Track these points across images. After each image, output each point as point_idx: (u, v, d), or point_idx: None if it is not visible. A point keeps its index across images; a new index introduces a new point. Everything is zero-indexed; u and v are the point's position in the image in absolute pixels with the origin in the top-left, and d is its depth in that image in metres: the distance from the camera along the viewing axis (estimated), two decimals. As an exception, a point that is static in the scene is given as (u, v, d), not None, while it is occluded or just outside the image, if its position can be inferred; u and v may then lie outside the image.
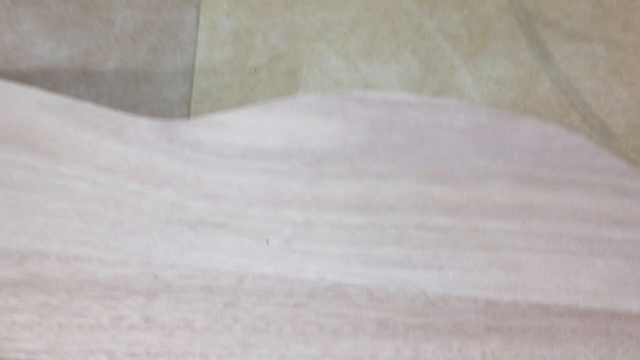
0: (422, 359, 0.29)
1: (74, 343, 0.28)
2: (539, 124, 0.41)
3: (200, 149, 0.38)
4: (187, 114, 0.44)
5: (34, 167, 0.36)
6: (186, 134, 0.38)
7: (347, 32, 0.43)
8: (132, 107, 0.40)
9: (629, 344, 0.31)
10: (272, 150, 0.38)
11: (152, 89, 0.39)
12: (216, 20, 0.42)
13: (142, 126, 0.38)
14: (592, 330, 0.31)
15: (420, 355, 0.29)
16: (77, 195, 0.35)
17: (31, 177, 0.35)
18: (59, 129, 0.38)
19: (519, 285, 0.32)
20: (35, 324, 0.29)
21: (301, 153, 0.38)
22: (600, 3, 0.42)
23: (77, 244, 0.32)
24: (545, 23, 0.41)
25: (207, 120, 0.39)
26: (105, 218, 0.34)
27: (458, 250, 0.34)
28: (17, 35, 0.40)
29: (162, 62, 0.40)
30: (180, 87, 0.40)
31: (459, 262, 0.33)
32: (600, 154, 0.37)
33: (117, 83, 0.39)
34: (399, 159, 0.38)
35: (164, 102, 0.40)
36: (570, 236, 0.35)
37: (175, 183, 0.36)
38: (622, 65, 0.44)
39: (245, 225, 0.34)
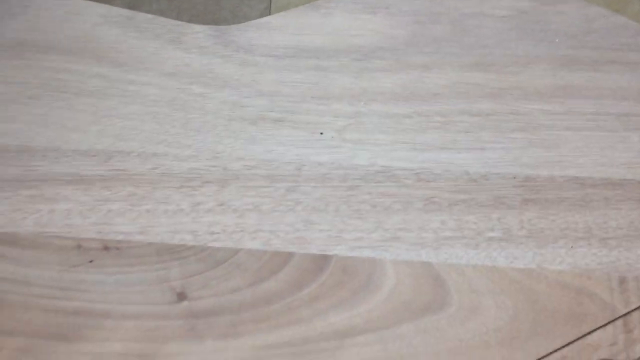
0: (465, 228, 0.33)
1: (162, 225, 0.33)
2: (581, 6, 0.41)
3: (253, 52, 0.41)
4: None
5: (106, 76, 0.40)
6: (239, 38, 0.41)
7: None
8: (212, 22, 0.42)
9: (660, 209, 0.33)
10: (321, 48, 0.40)
11: (232, 4, 0.41)
12: None
13: (199, 33, 0.41)
14: (624, 198, 0.33)
15: (463, 226, 0.33)
16: (147, 99, 0.38)
17: (105, 85, 0.39)
18: (122, 40, 0.41)
19: (556, 162, 0.35)
20: (126, 211, 0.33)
21: (349, 50, 0.40)
22: None
23: (153, 143, 0.36)
24: None
25: (257, 23, 0.41)
26: (174, 119, 0.37)
27: (499, 132, 0.36)
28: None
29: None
30: (260, 3, 0.42)
31: (500, 143, 0.36)
32: (640, 32, 0.38)
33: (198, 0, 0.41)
34: (442, 50, 0.40)
35: (244, 18, 0.42)
36: (608, 114, 0.37)
37: (234, 84, 0.39)
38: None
39: (301, 119, 0.37)
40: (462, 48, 0.40)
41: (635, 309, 0.30)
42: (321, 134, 0.37)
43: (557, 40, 0.40)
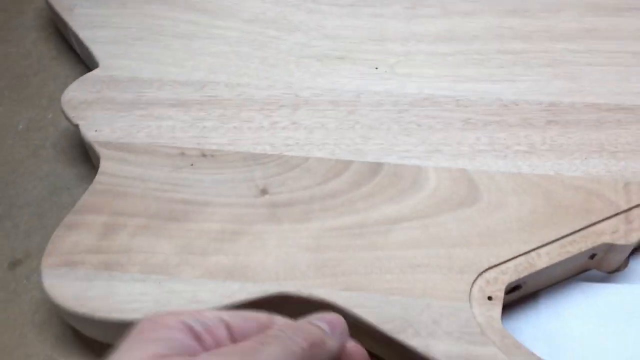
0: (496, 143, 0.39)
1: (246, 138, 0.40)
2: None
3: (319, 1, 0.48)
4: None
5: (196, 22, 0.48)
6: (307, -9, 0.48)
7: None
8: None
9: (663, 129, 0.39)
10: (377, -2, 0.47)
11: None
12: None
13: (273, -13, 0.49)
14: (634, 120, 0.39)
15: (494, 141, 0.39)
16: (231, 40, 0.46)
17: (195, 29, 0.47)
18: (212, -6, 0.49)
19: (577, 91, 0.41)
20: (218, 127, 0.41)
21: None
22: None
23: (237, 75, 0.44)
24: None
25: (323, -22, 0.48)
26: (254, 56, 0.45)
27: (529, 67, 0.43)
28: None
29: None
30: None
31: (529, 76, 0.42)
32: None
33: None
34: (482, -1, 0.46)
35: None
36: (626, 52, 0.43)
37: (303, 28, 0.46)
38: None
39: (360, 57, 0.44)
40: (499, -3, 0.46)
41: (635, 206, 0.36)
42: (376, 68, 0.44)
43: (584, -9, 0.46)
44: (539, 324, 0.36)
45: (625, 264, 0.38)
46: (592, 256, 0.36)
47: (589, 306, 0.37)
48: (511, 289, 0.35)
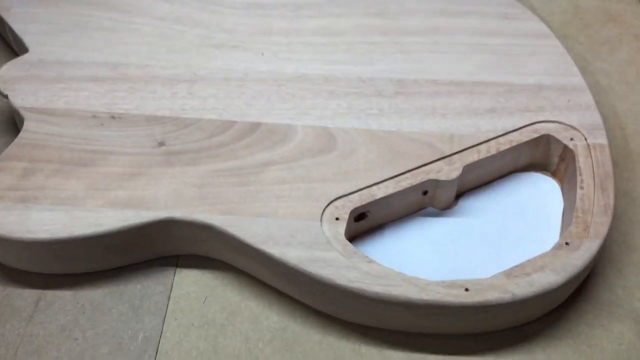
0: (353, 108, 0.48)
1: (150, 105, 0.48)
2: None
3: (220, 4, 0.57)
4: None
5: (116, 19, 0.56)
6: (212, -2, 0.57)
7: None
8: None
9: (484, 97, 0.49)
10: (267, 3, 0.57)
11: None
12: None
13: (183, -6, 0.58)
14: (462, 91, 0.49)
15: (352, 107, 0.48)
16: (143, 33, 0.55)
17: (114, 25, 0.55)
18: None
19: (420, 71, 0.51)
20: (127, 97, 0.49)
21: (287, 4, 0.57)
22: None
23: (146, 59, 0.52)
24: None
25: (225, -12, 0.58)
26: (162, 45, 0.54)
27: (384, 54, 0.53)
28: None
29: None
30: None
31: (384, 61, 0.52)
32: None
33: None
34: (352, 5, 0.57)
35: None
36: (461, 44, 0.53)
37: (205, 24, 0.55)
38: None
39: (250, 46, 0.54)
40: (366, 4, 0.57)
41: (456, 152, 0.45)
42: (262, 54, 0.53)
43: None
44: (384, 249, 0.44)
45: (455, 202, 0.47)
46: (425, 192, 0.45)
47: (425, 235, 0.45)
48: (358, 216, 0.44)
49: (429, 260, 0.44)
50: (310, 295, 0.41)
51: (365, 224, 0.45)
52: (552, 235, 0.44)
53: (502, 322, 0.40)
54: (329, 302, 0.41)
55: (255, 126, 0.47)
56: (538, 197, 0.47)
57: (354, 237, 0.45)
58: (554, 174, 0.48)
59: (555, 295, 0.40)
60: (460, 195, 0.47)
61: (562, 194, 0.47)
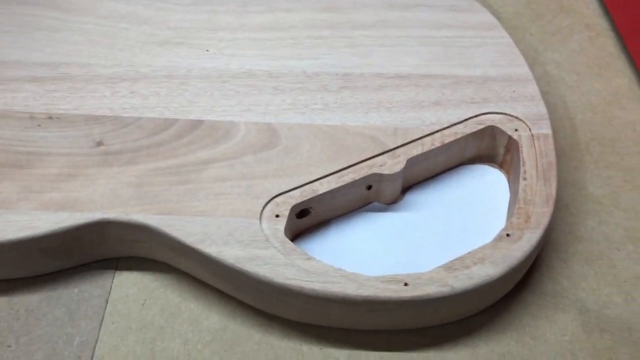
0: (298, 103, 0.48)
1: (90, 105, 0.47)
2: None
3: (166, 1, 0.56)
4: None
5: (58, 17, 0.55)
6: (159, -5, 0.56)
7: None
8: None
9: (430, 89, 0.48)
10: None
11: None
12: None
13: (129, -9, 0.57)
14: (408, 84, 0.49)
15: (296, 102, 0.48)
16: (86, 32, 0.53)
17: (57, 24, 0.54)
18: (73, -1, 0.56)
19: (367, 64, 0.51)
20: (66, 97, 0.48)
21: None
22: None
23: (88, 58, 0.51)
24: None
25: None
26: (105, 43, 0.52)
27: (331, 48, 0.52)
28: None
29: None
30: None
31: (330, 55, 0.52)
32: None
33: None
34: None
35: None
36: (410, 36, 0.53)
37: (150, 22, 0.54)
38: None
39: (194, 42, 0.53)
40: (315, -3, 0.56)
41: (400, 146, 0.45)
42: (207, 51, 0.52)
43: (385, -7, 0.56)
44: (328, 245, 0.44)
45: (401, 196, 0.47)
46: (369, 187, 0.45)
47: (370, 230, 0.45)
48: (301, 212, 0.43)
49: (373, 256, 0.43)
50: (250, 295, 0.41)
51: (308, 221, 0.44)
52: (497, 227, 0.44)
53: (443, 316, 0.40)
54: (269, 301, 0.40)
55: (197, 124, 0.47)
56: (484, 188, 0.47)
57: (297, 234, 0.44)
58: (500, 165, 0.48)
59: (496, 288, 0.39)
60: (406, 189, 0.47)
61: (509, 184, 0.47)
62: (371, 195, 0.45)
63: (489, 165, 0.48)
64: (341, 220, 0.45)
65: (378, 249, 0.43)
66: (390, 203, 0.46)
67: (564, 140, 0.51)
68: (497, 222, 0.44)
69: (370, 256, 0.43)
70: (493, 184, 0.47)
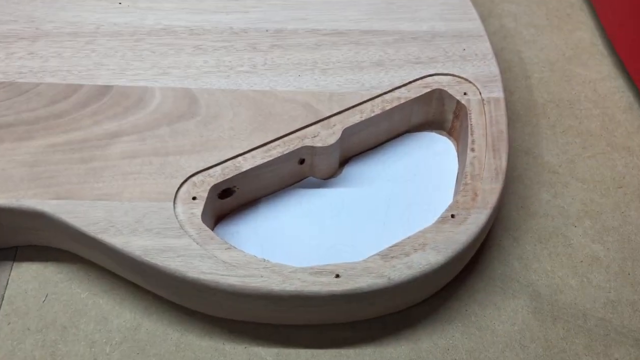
0: (222, 65, 0.42)
1: (-22, 68, 0.41)
2: None
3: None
4: None
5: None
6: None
7: None
8: None
9: (371, 48, 0.43)
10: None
11: None
12: None
13: None
14: (346, 42, 0.43)
15: (220, 63, 0.42)
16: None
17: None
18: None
19: (302, 19, 0.45)
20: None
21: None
22: None
23: (-20, 12, 0.44)
24: None
25: None
26: (0, -5, 0.45)
27: (262, 1, 0.46)
28: None
29: None
30: None
31: (260, 8, 0.46)
32: None
33: None
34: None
35: None
36: (350, -14, 0.47)
37: (54, -31, 0.47)
38: None
39: (105, -7, 0.46)
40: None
41: (335, 114, 0.40)
42: (120, 3, 0.45)
43: None
44: (257, 227, 0.39)
45: (339, 170, 0.42)
46: (302, 161, 0.40)
47: (303, 210, 0.40)
48: (223, 192, 0.38)
49: (306, 240, 0.38)
50: (165, 289, 0.36)
51: (233, 201, 0.39)
52: (445, 204, 0.40)
53: (381, 309, 0.36)
54: (187, 295, 0.35)
55: (104, 90, 0.40)
56: (432, 159, 0.42)
57: (220, 216, 0.39)
58: (449, 133, 0.44)
59: (439, 276, 0.35)
60: (345, 161, 0.42)
61: (457, 155, 0.42)
62: (305, 170, 0.41)
63: (437, 132, 0.44)
64: (271, 199, 0.40)
65: (312, 231, 0.39)
66: (327, 178, 0.41)
67: (518, 103, 0.46)
68: (445, 197, 0.40)
69: (303, 240, 0.38)
70: (441, 154, 0.43)
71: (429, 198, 0.40)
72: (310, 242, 0.38)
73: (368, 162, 0.42)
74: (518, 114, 0.46)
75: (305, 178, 0.41)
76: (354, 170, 0.42)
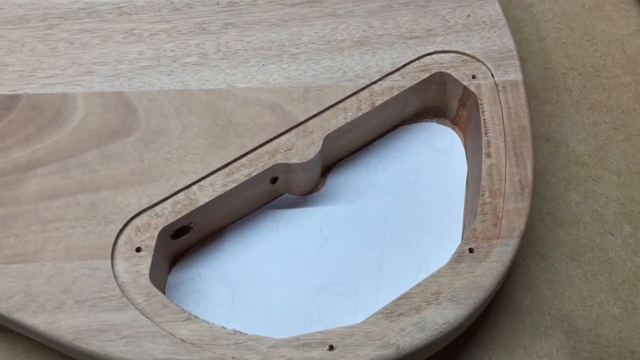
0: (162, 56, 0.32)
1: None
2: None
3: None
4: None
5: None
6: None
7: None
8: None
9: (352, 20, 0.34)
10: None
11: None
12: None
13: None
14: (320, 14, 0.34)
15: (160, 54, 0.33)
16: None
17: None
18: None
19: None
20: None
21: None
22: None
23: None
24: None
25: None
26: None
27: (208, -40, 0.36)
28: None
29: None
30: None
31: (207, -28, 0.35)
32: None
33: None
34: None
35: None
36: None
37: None
38: None
39: (2, -38, 0.35)
40: None
41: (313, 116, 0.31)
42: (21, -25, 0.35)
43: None
44: (223, 267, 0.31)
45: (322, 182, 0.34)
46: (274, 180, 0.31)
47: (280, 237, 0.32)
48: (177, 232, 0.30)
49: (287, 279, 0.31)
50: (112, 367, 0.28)
51: (191, 237, 0.31)
52: (455, 219, 0.32)
53: (387, 373, 0.29)
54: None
55: (10, 102, 0.31)
56: (434, 159, 0.34)
57: (177, 256, 0.31)
58: (453, 122, 0.35)
59: (458, 332, 0.28)
60: (328, 169, 0.34)
61: (465, 151, 0.34)
62: (279, 188, 0.32)
63: (437, 122, 0.35)
64: (238, 228, 0.32)
65: (293, 267, 0.31)
66: (307, 194, 0.33)
67: (533, 73, 0.38)
68: (455, 210, 0.32)
69: (282, 280, 0.31)
70: (445, 151, 0.34)
71: (435, 212, 0.32)
72: (292, 283, 0.31)
73: (356, 169, 0.34)
74: (534, 88, 0.37)
75: (279, 196, 0.33)
76: (339, 182, 0.34)
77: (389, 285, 0.30)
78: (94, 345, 0.26)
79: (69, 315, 0.26)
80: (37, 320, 0.26)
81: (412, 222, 0.32)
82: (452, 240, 0.31)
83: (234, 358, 0.26)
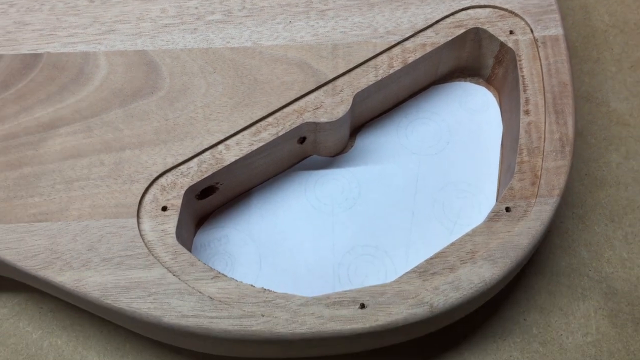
0: (185, 14, 0.31)
1: None
2: None
3: None
4: None
5: None
6: None
7: None
8: None
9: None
10: None
11: None
12: None
13: None
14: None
15: (183, 12, 0.31)
16: None
17: None
18: None
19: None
20: None
21: None
22: None
23: None
24: None
25: None
26: None
27: None
28: None
29: None
30: None
31: None
32: None
33: None
34: None
35: None
36: None
37: None
38: None
39: None
40: None
41: (342, 74, 0.30)
42: None
43: None
44: (250, 228, 0.30)
45: (350, 143, 0.33)
46: (302, 140, 0.30)
47: (308, 198, 0.31)
48: (203, 192, 0.29)
49: (316, 241, 0.30)
50: (140, 330, 0.28)
51: (217, 198, 0.30)
52: (489, 180, 0.31)
53: (417, 334, 0.28)
54: (166, 339, 0.27)
55: (31, 61, 0.30)
56: (467, 120, 0.33)
57: (203, 217, 0.31)
58: (488, 82, 0.34)
59: (494, 291, 0.27)
60: (357, 130, 0.33)
61: (501, 111, 0.33)
62: (307, 149, 0.31)
63: (472, 81, 0.34)
64: (265, 189, 0.31)
65: (321, 228, 0.30)
66: (335, 155, 0.32)
67: (573, 31, 0.36)
68: (489, 171, 0.31)
69: (311, 242, 0.30)
70: (479, 111, 0.33)
71: (468, 173, 0.31)
72: (321, 244, 0.30)
73: (386, 130, 0.33)
74: (573, 46, 0.36)
75: (307, 157, 0.32)
76: (368, 142, 0.33)
77: (419, 247, 0.29)
78: (121, 302, 0.25)
79: (95, 272, 0.26)
80: (64, 278, 0.26)
81: (444, 182, 0.31)
82: (486, 201, 0.30)
83: (263, 315, 0.25)
